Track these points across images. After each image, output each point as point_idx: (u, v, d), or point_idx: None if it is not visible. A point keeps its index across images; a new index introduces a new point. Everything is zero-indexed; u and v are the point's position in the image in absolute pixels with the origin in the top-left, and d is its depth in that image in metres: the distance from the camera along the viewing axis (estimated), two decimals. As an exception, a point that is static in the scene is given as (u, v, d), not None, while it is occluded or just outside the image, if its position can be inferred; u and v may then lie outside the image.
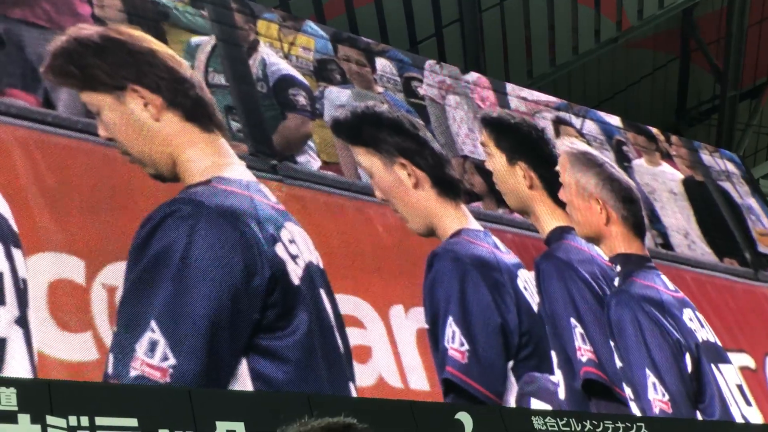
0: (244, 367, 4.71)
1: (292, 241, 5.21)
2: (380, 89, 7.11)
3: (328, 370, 5.03)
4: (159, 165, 5.16)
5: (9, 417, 3.38)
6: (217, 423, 4.01)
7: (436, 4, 11.14)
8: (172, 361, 4.45)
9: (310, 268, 5.25)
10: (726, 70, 14.38)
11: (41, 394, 3.58)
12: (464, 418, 4.94)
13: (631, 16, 12.75)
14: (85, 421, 3.61)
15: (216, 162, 5.24)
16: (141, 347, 4.45)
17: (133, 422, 3.76)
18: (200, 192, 5.02)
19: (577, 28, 12.33)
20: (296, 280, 5.06)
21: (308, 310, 5.05)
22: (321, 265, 5.44)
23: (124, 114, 5.12)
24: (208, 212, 4.92)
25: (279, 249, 5.06)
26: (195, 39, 6.10)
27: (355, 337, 5.48)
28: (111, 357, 4.43)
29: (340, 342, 5.27)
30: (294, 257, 5.14)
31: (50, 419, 3.51)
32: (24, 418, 3.44)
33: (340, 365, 5.20)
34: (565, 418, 5.44)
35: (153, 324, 4.51)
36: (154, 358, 4.42)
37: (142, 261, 4.71)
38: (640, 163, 8.85)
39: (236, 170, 5.33)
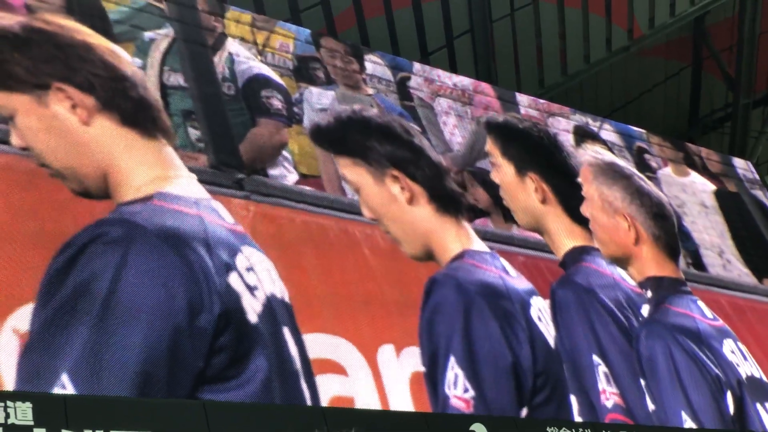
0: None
1: (249, 269, 4.10)
2: (371, 90, 5.62)
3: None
4: (85, 179, 4.02)
5: (25, 431, 3.15)
6: (232, 436, 3.72)
7: (447, 15, 10.47)
8: (88, 425, 3.47)
9: (271, 301, 4.13)
10: (738, 77, 13.54)
11: (57, 408, 3.29)
12: (479, 429, 4.36)
13: (643, 24, 11.85)
14: (100, 435, 3.38)
15: (159, 175, 4.10)
16: (48, 408, 3.45)
17: (147, 436, 3.51)
18: (136, 211, 3.90)
19: (589, 37, 11.61)
20: (253, 317, 3.97)
21: (267, 353, 3.95)
22: (286, 299, 4.30)
23: (44, 118, 4.00)
24: (144, 235, 3.79)
25: (233, 279, 3.95)
26: (149, 33, 4.70)
27: (334, 385, 4.37)
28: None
29: (307, 392, 4.14)
30: (252, 289, 4.04)
31: (65, 434, 3.34)
32: (40, 433, 3.28)
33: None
34: (581, 429, 4.85)
35: (64, 378, 3.45)
36: (64, 422, 3.44)
37: (57, 298, 3.57)
38: (666, 173, 7.37)
39: (184, 185, 4.18)
